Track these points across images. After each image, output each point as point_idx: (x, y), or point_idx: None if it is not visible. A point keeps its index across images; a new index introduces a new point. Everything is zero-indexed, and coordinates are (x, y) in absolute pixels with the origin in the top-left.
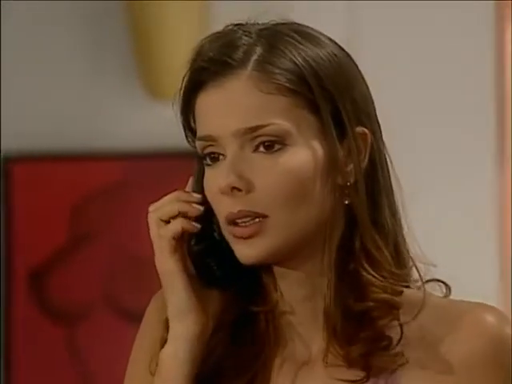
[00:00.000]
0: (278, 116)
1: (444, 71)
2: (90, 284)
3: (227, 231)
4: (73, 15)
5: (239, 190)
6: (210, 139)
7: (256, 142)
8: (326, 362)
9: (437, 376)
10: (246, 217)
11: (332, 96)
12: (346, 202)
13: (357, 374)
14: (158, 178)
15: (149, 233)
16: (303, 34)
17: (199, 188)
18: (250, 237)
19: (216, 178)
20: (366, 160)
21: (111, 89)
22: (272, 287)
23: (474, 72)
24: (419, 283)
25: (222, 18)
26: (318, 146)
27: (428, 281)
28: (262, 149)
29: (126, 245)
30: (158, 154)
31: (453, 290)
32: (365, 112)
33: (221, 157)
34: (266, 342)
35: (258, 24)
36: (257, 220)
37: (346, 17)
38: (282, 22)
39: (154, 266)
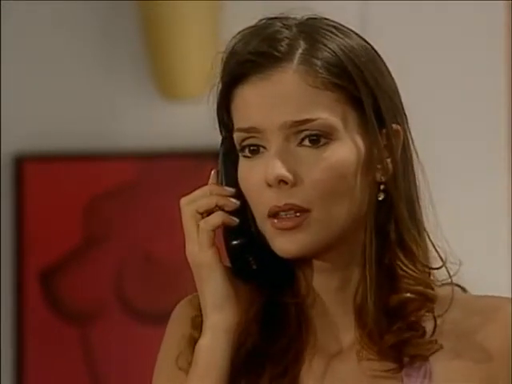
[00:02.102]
0: (326, 110)
1: (458, 77)
2: (103, 284)
3: (267, 224)
4: (85, 15)
5: (286, 182)
6: (253, 131)
7: (301, 136)
8: (360, 355)
9: (470, 364)
10: (290, 210)
11: (372, 90)
12: (380, 198)
13: (389, 366)
14: (170, 178)
15: (162, 233)
16: (337, 28)
17: (229, 181)
18: (292, 228)
19: (257, 170)
20: (399, 155)
21: (123, 89)
22: (303, 278)
23: (487, 77)
24: (446, 280)
25: (235, 18)
26: (360, 141)
27: (445, 284)
28: (307, 143)
29: (139, 245)
30: (170, 154)
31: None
32: (395, 105)
33: (261, 149)
34: (296, 333)
35: (292, 18)
36: (298, 214)
37: (358, 17)
38: (313, 16)
39: (166, 266)
